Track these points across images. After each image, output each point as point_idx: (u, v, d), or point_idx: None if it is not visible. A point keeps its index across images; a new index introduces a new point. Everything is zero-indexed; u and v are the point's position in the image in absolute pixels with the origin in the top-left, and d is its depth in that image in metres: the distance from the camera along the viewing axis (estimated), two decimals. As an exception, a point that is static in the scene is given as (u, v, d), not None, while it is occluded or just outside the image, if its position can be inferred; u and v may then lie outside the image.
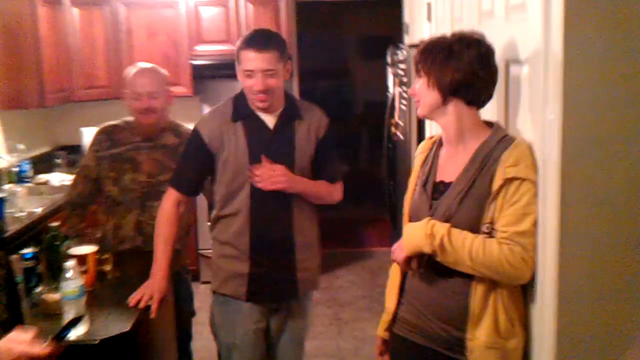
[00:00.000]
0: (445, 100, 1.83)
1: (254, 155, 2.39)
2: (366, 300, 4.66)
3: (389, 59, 4.10)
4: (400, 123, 3.68)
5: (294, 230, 2.47)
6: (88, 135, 4.55)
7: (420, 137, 3.33)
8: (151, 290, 2.36)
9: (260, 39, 2.38)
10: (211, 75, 5.21)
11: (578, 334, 1.65)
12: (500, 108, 2.01)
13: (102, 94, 5.02)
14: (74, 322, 1.65)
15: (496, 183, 1.73)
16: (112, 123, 2.94)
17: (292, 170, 2.43)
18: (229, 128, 2.42)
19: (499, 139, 1.81)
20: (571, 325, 1.64)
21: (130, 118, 2.91)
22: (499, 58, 1.89)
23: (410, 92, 1.97)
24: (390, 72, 4.08)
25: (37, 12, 4.28)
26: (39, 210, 3.67)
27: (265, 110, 2.42)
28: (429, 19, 3.18)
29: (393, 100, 3.85)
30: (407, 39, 4.60)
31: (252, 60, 2.33)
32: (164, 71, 2.93)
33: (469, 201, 1.78)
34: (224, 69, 5.03)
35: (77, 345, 1.98)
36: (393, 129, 3.83)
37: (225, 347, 2.55)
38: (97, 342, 2.01)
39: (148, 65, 2.94)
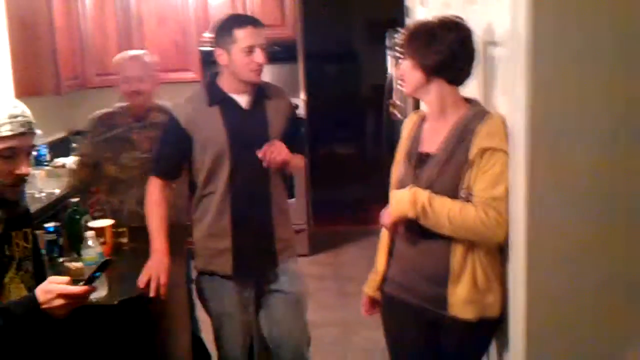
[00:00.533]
0: (428, 80, 2.00)
1: (232, 134, 2.52)
2: (371, 275, 4.85)
3: (388, 42, 4.26)
4: (399, 103, 3.85)
5: (271, 205, 2.62)
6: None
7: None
8: (157, 271, 2.43)
9: (250, 17, 2.56)
10: (219, 61, 5.38)
11: (546, 288, 1.81)
12: (480, 86, 2.19)
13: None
14: (104, 265, 1.83)
15: (472, 153, 1.91)
16: (105, 110, 3.20)
17: None
18: (205, 112, 2.55)
19: (476, 113, 1.98)
20: (540, 280, 1.80)
21: (121, 103, 3.17)
22: (479, 40, 2.06)
23: (396, 72, 2.14)
24: (389, 54, 4.24)
25: (52, 2, 4.47)
26: (57, 191, 3.89)
27: (238, 91, 2.55)
28: (422, 3, 3.34)
29: (392, 81, 4.01)
30: (408, 22, 4.75)
31: (254, 35, 2.47)
32: (151, 58, 3.18)
33: (449, 170, 1.96)
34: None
35: (98, 306, 2.19)
36: (392, 109, 4.00)
37: (216, 317, 2.70)
38: (116, 303, 2.23)
39: (137, 52, 3.21)
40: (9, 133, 1.70)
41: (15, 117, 1.72)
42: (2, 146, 1.70)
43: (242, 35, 2.47)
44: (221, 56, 2.53)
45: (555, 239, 1.78)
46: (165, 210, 2.60)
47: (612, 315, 1.82)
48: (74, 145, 5.10)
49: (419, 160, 2.06)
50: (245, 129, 2.56)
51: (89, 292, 1.73)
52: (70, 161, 4.59)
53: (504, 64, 1.94)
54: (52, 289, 1.67)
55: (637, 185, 1.73)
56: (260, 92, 2.61)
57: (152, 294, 2.37)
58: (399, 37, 2.10)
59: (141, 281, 2.40)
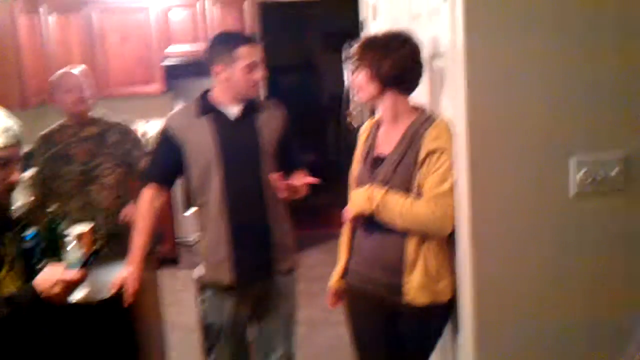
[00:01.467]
0: (383, 91, 2.21)
1: (221, 144, 2.59)
2: (334, 276, 5.05)
3: (344, 54, 4.47)
4: (355, 112, 4.06)
5: (267, 212, 2.66)
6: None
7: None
8: (129, 280, 2.53)
9: (248, 36, 2.67)
10: (182, 73, 5.55)
11: (491, 273, 2.00)
12: (428, 93, 2.41)
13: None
14: (96, 252, 2.01)
15: (422, 154, 2.13)
16: (47, 130, 3.44)
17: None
18: (196, 123, 2.61)
19: (425, 119, 2.20)
20: (485, 266, 2.00)
21: (61, 121, 3.42)
22: (425, 53, 2.27)
23: (351, 82, 2.34)
24: (346, 66, 4.46)
25: (16, 21, 4.58)
26: (29, 201, 4.00)
27: (231, 103, 2.63)
28: (374, 18, 3.56)
29: (349, 92, 4.22)
30: (363, 35, 4.96)
31: (255, 52, 2.58)
32: (86, 71, 3.47)
33: (401, 170, 2.17)
34: (194, 67, 5.40)
35: (78, 305, 2.34)
36: (349, 118, 4.21)
37: (212, 329, 2.76)
38: (96, 302, 2.38)
39: (71, 67, 3.49)
40: (3, 144, 1.86)
41: (8, 129, 1.88)
42: None
43: (245, 53, 2.56)
44: (221, 72, 2.59)
45: (496, 227, 1.98)
46: (150, 223, 2.66)
47: (554, 295, 2.01)
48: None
49: (374, 162, 2.27)
50: (235, 138, 2.63)
51: (84, 276, 1.90)
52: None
53: (447, 74, 2.16)
54: (51, 276, 1.83)
55: (565, 176, 1.95)
56: (251, 104, 2.68)
57: (125, 304, 2.49)
58: (354, 48, 2.29)
59: (114, 286, 2.52)
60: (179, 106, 2.80)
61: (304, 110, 8.54)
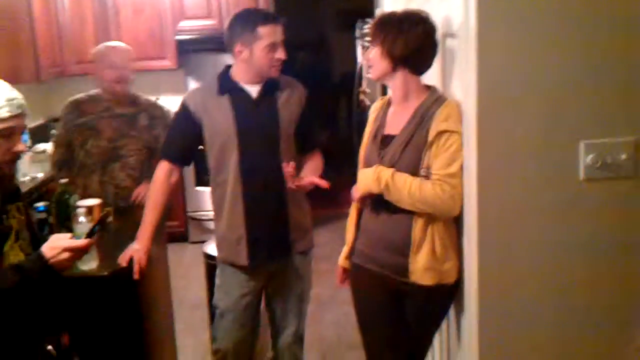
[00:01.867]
0: (394, 69, 2.20)
1: (240, 122, 2.57)
2: (343, 255, 5.06)
3: (357, 32, 4.44)
4: (368, 91, 4.04)
5: (285, 192, 2.62)
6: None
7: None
8: (137, 254, 2.55)
9: (271, 13, 2.60)
10: (194, 49, 5.53)
11: (496, 255, 2.01)
12: (439, 73, 2.40)
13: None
14: (103, 220, 2.04)
15: (431, 135, 2.12)
16: (79, 96, 3.34)
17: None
18: (215, 101, 2.59)
19: (435, 99, 2.19)
20: (491, 248, 2.00)
21: (95, 91, 3.32)
22: (438, 32, 2.26)
23: (364, 58, 2.33)
24: (358, 44, 4.43)
25: (30, -7, 4.58)
26: (40, 175, 4.05)
27: (251, 82, 2.60)
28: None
29: (361, 70, 4.20)
30: (377, 13, 4.93)
31: (277, 32, 2.52)
32: (129, 49, 3.36)
33: (410, 150, 2.17)
34: (206, 43, 5.38)
35: (87, 277, 2.37)
36: (361, 97, 4.19)
37: (220, 309, 2.76)
38: (107, 274, 2.42)
39: (117, 42, 3.41)
40: (8, 114, 1.86)
41: (13, 99, 1.89)
42: (1, 126, 1.86)
43: (266, 33, 2.50)
44: (242, 52, 2.55)
45: (504, 210, 1.98)
46: (163, 200, 2.66)
47: (559, 279, 2.02)
48: (53, 131, 5.25)
49: (383, 141, 2.26)
50: (254, 117, 2.60)
51: (90, 245, 1.92)
52: (51, 147, 4.75)
53: (458, 54, 2.15)
54: (58, 244, 1.85)
55: (574, 161, 1.94)
56: (271, 83, 2.64)
57: (135, 276, 2.52)
58: (368, 26, 2.28)
59: (123, 259, 2.54)
60: (193, 83, 2.74)
61: (316, 87, 8.47)
